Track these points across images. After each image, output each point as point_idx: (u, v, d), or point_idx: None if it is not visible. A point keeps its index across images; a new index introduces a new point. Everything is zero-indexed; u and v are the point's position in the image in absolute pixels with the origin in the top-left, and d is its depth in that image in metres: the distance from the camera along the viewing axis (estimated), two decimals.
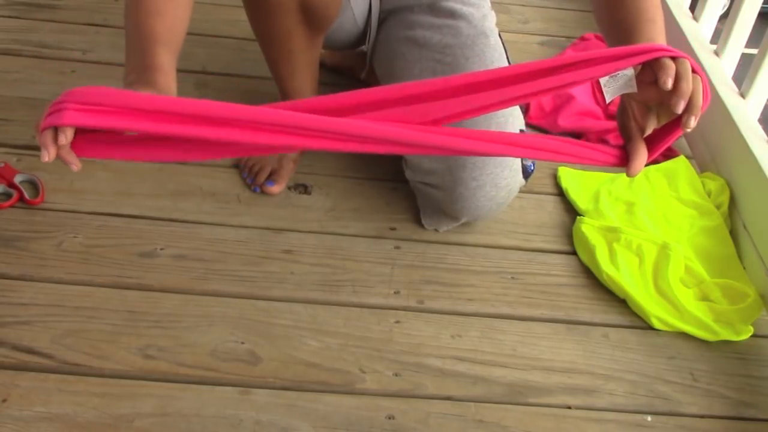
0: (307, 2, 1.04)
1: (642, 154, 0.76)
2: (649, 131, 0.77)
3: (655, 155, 0.78)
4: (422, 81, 0.73)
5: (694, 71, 0.72)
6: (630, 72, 0.73)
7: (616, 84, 0.74)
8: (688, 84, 0.70)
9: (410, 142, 0.71)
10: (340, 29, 1.20)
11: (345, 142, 0.71)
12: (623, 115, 0.79)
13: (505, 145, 0.76)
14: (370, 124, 0.70)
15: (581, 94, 1.42)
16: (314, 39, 1.12)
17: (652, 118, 0.76)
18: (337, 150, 0.72)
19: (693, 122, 0.70)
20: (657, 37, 0.80)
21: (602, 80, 0.74)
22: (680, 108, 0.70)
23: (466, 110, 0.73)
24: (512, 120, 1.09)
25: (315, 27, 1.09)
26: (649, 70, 0.72)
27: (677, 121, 0.73)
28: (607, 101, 0.75)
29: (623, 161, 0.77)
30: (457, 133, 0.73)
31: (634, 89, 0.74)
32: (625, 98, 0.78)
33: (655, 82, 0.71)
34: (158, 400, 0.89)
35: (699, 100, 0.70)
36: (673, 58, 0.71)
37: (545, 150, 0.76)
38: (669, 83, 0.69)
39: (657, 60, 0.71)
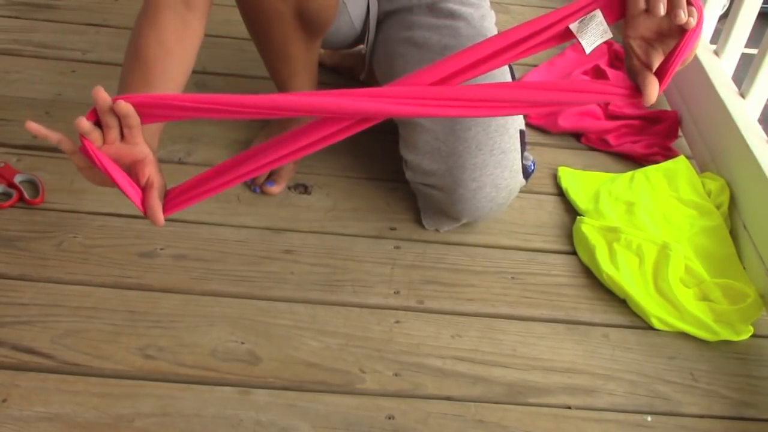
0: (303, 8, 1.04)
1: (653, 81, 0.75)
2: (655, 67, 0.77)
3: (666, 83, 0.77)
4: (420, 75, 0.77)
5: None
6: (597, 14, 0.74)
7: (589, 31, 0.75)
8: None
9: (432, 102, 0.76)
10: (336, 32, 1.20)
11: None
12: (628, 59, 0.79)
13: (512, 94, 0.77)
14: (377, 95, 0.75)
15: None
16: (311, 43, 1.12)
17: (654, 53, 0.76)
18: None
19: (693, 21, 0.71)
20: None
21: (572, 26, 0.75)
22: (682, 18, 0.71)
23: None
24: (512, 120, 1.09)
25: (311, 32, 1.09)
26: (633, 3, 0.74)
27: (678, 45, 0.74)
28: (587, 52, 0.75)
29: (636, 93, 0.77)
30: (469, 92, 0.76)
31: (610, 35, 0.75)
32: (625, 43, 0.78)
33: (645, 11, 0.73)
34: (158, 400, 0.89)
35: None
36: None
37: (560, 91, 0.77)
38: (660, 8, 0.71)
39: None
